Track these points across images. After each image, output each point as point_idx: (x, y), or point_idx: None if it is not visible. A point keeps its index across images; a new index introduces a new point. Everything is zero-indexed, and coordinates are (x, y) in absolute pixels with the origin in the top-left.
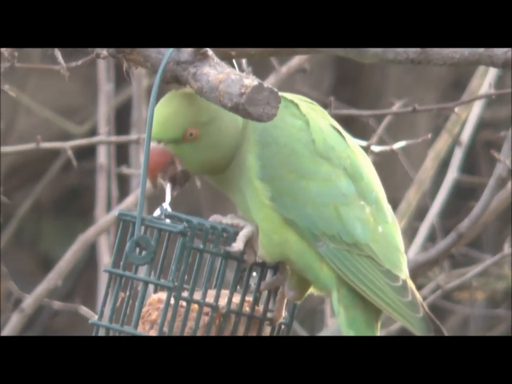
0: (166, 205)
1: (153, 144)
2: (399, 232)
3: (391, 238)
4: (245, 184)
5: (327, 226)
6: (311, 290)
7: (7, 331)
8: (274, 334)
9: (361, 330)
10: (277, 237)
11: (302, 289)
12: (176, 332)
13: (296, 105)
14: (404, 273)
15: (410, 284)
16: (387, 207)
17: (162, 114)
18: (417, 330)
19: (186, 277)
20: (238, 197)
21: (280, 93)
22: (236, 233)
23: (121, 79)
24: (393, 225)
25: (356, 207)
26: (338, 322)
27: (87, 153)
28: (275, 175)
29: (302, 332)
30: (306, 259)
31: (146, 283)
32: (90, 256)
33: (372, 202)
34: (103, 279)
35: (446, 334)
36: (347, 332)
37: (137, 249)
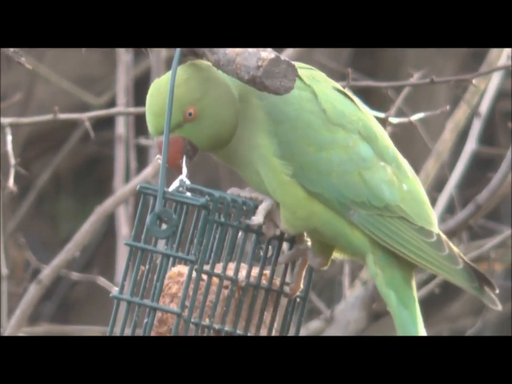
0: (185, 178)
1: (159, 138)
2: (421, 186)
3: (416, 194)
4: (258, 161)
5: (355, 194)
6: (340, 256)
7: (25, 302)
8: (290, 308)
9: (400, 289)
10: (302, 211)
11: (326, 255)
12: (197, 306)
13: (298, 77)
14: (436, 228)
15: (444, 238)
16: (404, 162)
17: (156, 104)
18: (460, 282)
19: (213, 252)
20: (249, 172)
21: None
22: (255, 207)
23: (140, 50)
24: (415, 180)
25: (379, 169)
26: (377, 283)
27: (105, 124)
28: (295, 151)
29: (320, 304)
30: (336, 228)
31: (167, 257)
32: (108, 227)
33: (391, 161)
34: (121, 250)
35: (491, 281)
36: (387, 291)
37: (158, 223)
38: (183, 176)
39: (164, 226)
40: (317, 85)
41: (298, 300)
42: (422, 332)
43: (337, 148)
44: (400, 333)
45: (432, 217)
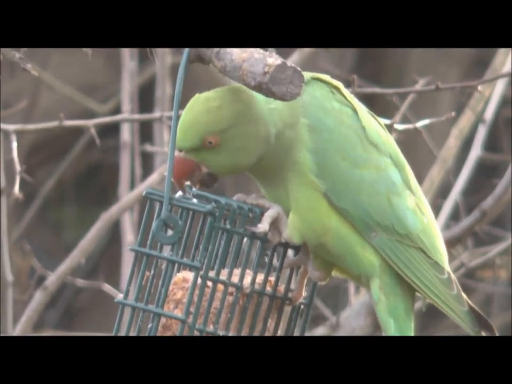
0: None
1: (176, 153)
2: (435, 222)
3: (434, 229)
4: (293, 179)
5: (381, 216)
6: (340, 275)
7: (30, 309)
8: (294, 314)
9: (401, 319)
10: (319, 225)
11: (327, 270)
12: (201, 313)
13: (340, 91)
14: (447, 266)
15: (453, 277)
16: (423, 197)
17: (182, 122)
18: (465, 323)
19: (219, 258)
20: (276, 187)
21: (313, 75)
22: (261, 214)
23: (145, 57)
24: (431, 215)
25: (406, 197)
26: (378, 310)
27: (111, 131)
28: (328, 162)
29: (325, 310)
30: (348, 246)
31: (173, 263)
32: (113, 234)
33: (414, 192)
34: (126, 257)
35: (494, 329)
36: (387, 319)
37: (163, 228)
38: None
39: (170, 232)
40: (356, 103)
41: (302, 306)
42: None
43: (371, 167)
44: None
45: (444, 255)
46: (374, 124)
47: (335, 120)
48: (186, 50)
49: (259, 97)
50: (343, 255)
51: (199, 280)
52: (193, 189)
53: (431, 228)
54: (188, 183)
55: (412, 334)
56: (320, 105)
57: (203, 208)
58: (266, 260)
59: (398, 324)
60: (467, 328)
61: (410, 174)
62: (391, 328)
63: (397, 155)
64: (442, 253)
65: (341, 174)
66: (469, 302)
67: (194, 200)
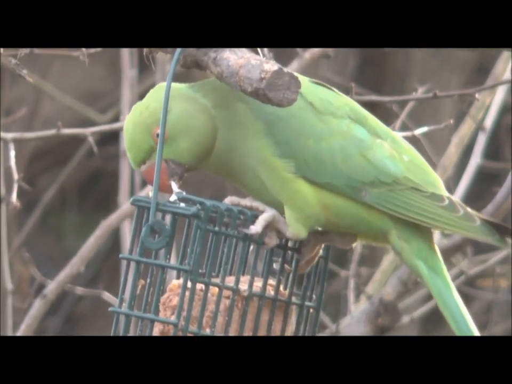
0: (177, 191)
1: (143, 166)
2: (419, 154)
3: (418, 162)
4: (257, 165)
5: (363, 175)
6: (363, 241)
7: (30, 317)
8: (303, 318)
9: (429, 258)
10: (312, 207)
11: (350, 237)
12: (195, 316)
13: None
14: (444, 191)
15: (455, 198)
16: (396, 135)
17: (127, 140)
18: (481, 237)
19: (208, 260)
20: (248, 179)
21: None
22: (254, 216)
23: (144, 65)
24: (411, 149)
25: (378, 147)
26: (404, 258)
27: (110, 139)
28: (295, 148)
29: (325, 318)
30: (352, 214)
31: (163, 268)
32: (114, 241)
33: (385, 137)
34: (125, 263)
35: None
36: (416, 263)
37: (156, 235)
38: (174, 195)
39: (159, 237)
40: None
41: (311, 310)
42: (457, 296)
43: (334, 135)
44: (438, 300)
45: (438, 181)
46: (322, 94)
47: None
48: (177, 50)
49: (177, 85)
50: (352, 224)
51: (189, 284)
52: (181, 192)
53: (415, 163)
54: (173, 185)
55: (444, 271)
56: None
57: (188, 211)
58: (264, 264)
59: (427, 264)
60: (488, 239)
61: (375, 122)
62: (423, 270)
63: (354, 111)
64: (434, 182)
65: (310, 153)
66: (480, 215)
67: (182, 204)
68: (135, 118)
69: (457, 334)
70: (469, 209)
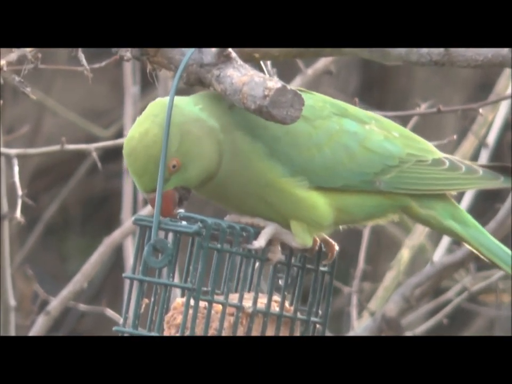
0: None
1: (153, 194)
2: (398, 124)
3: (406, 133)
4: (265, 188)
5: (372, 166)
6: (383, 222)
7: (33, 334)
8: (309, 334)
9: (456, 214)
10: (326, 221)
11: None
12: (198, 334)
13: None
14: (439, 153)
15: (452, 156)
16: (374, 115)
17: (136, 165)
18: (490, 185)
19: (211, 278)
20: (250, 202)
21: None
22: (257, 233)
23: (147, 82)
24: (392, 123)
25: (370, 133)
26: (435, 225)
27: (113, 156)
28: (301, 163)
29: (328, 334)
30: (371, 207)
31: (166, 286)
32: (116, 258)
33: (370, 121)
34: (128, 282)
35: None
36: (448, 224)
37: (159, 254)
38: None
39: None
40: None
41: (318, 326)
42: (494, 239)
43: (331, 137)
44: (481, 249)
45: (429, 145)
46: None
47: (274, 127)
48: (180, 67)
49: (182, 101)
50: (372, 215)
51: (193, 302)
52: (182, 211)
53: (405, 135)
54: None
55: (472, 220)
56: (250, 118)
57: (189, 229)
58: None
59: (457, 221)
60: (495, 185)
61: (354, 109)
62: (457, 228)
63: (335, 106)
64: (427, 147)
65: (317, 162)
66: (479, 164)
67: (184, 223)
68: (148, 144)
69: (510, 272)
70: (467, 162)
